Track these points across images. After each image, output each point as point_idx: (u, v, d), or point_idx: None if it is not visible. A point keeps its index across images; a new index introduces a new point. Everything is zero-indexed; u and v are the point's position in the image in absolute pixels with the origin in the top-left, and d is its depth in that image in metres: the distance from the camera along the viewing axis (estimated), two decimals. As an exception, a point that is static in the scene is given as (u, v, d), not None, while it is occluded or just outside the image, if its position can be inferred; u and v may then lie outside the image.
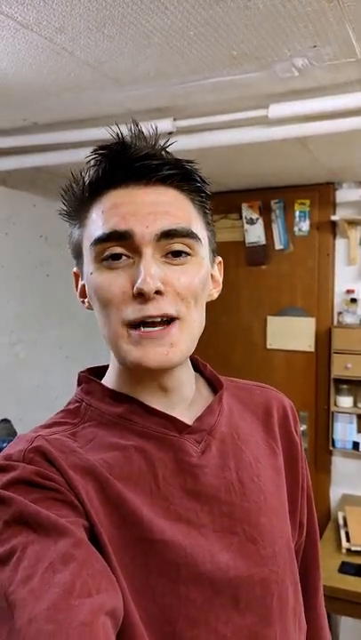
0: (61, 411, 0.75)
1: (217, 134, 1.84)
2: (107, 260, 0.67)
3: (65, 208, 0.73)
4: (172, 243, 0.67)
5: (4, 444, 2.36)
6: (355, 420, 2.91)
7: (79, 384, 0.78)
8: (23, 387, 2.61)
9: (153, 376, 0.71)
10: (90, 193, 0.70)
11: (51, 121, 1.88)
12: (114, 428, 0.70)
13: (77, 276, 0.77)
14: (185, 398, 0.75)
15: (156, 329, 0.66)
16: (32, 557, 0.54)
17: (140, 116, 1.74)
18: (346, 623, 2.59)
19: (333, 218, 2.90)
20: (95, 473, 0.64)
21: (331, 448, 2.96)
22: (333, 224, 2.96)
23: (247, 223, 3.09)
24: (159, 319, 0.66)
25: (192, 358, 0.80)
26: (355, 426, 2.91)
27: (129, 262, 0.66)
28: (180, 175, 0.69)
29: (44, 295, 2.72)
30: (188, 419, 0.73)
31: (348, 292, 2.94)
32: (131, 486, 0.65)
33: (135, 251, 0.66)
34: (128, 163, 0.67)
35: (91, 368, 0.81)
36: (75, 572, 0.53)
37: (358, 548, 2.40)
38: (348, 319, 2.91)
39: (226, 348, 3.17)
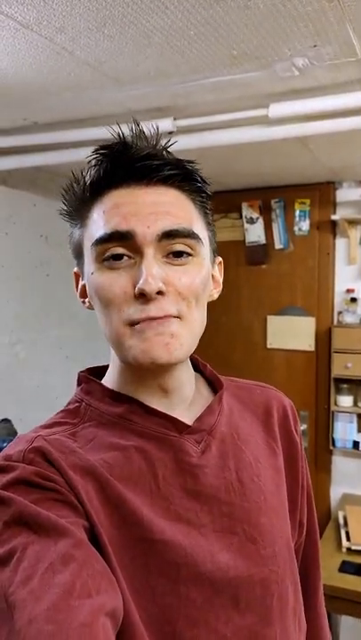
0: (61, 411, 0.75)
1: (217, 134, 1.84)
2: (108, 261, 0.67)
3: (65, 208, 0.73)
4: (174, 243, 0.67)
5: (5, 444, 2.36)
6: (355, 419, 2.91)
7: (79, 384, 0.78)
8: (23, 387, 2.61)
9: (154, 375, 0.71)
10: (91, 193, 0.69)
11: (51, 120, 1.88)
12: (114, 428, 0.70)
13: (78, 276, 0.77)
14: (185, 399, 0.75)
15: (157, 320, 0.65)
16: (32, 558, 0.54)
17: (140, 115, 1.74)
18: (346, 622, 2.59)
19: (334, 217, 2.90)
20: (95, 473, 0.64)
21: (331, 447, 2.96)
22: (334, 223, 2.96)
23: (247, 222, 3.09)
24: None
25: (192, 358, 0.80)
26: (355, 425, 2.91)
27: (130, 262, 0.66)
28: (182, 175, 0.69)
29: (44, 295, 2.72)
30: (188, 419, 0.73)
31: (349, 291, 2.94)
32: (131, 486, 0.65)
33: (136, 251, 0.66)
34: (129, 163, 0.67)
35: (90, 368, 0.81)
36: (75, 573, 0.53)
37: (359, 548, 2.40)
38: (349, 319, 2.91)
39: (226, 348, 3.17)
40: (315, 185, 2.95)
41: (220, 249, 0.79)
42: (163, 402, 0.73)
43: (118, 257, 0.66)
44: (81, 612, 0.50)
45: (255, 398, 0.85)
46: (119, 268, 0.66)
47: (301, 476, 0.84)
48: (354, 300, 2.91)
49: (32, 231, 2.65)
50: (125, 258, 0.66)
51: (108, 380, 0.76)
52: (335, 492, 3.04)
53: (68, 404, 0.76)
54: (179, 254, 0.67)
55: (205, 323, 0.73)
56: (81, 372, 0.79)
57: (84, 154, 0.71)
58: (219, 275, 0.79)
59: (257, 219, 3.07)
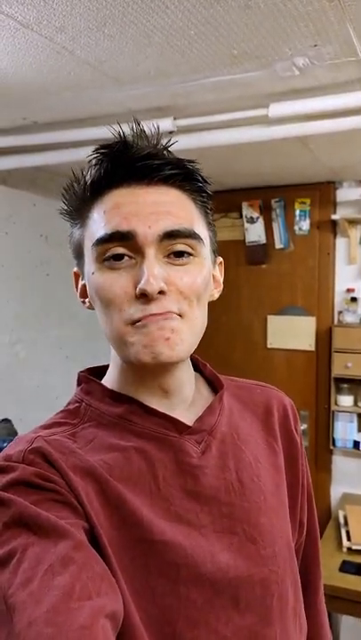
0: (61, 411, 0.75)
1: (217, 133, 1.84)
2: (108, 261, 0.66)
3: (65, 207, 0.73)
4: (175, 243, 0.67)
5: (5, 444, 2.36)
6: (355, 418, 2.91)
7: (79, 384, 0.78)
8: (23, 386, 2.61)
9: (154, 375, 0.71)
10: (91, 192, 0.69)
11: (51, 120, 1.88)
12: (114, 429, 0.70)
13: (77, 276, 0.76)
14: (185, 399, 0.75)
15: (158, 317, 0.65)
16: (32, 559, 0.54)
17: (140, 115, 1.73)
18: (346, 622, 2.59)
19: (334, 217, 2.90)
20: (95, 474, 0.64)
21: (331, 447, 2.96)
22: (334, 223, 2.96)
23: (247, 222, 3.09)
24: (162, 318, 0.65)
25: (192, 358, 0.80)
26: (355, 425, 2.91)
27: (131, 263, 0.66)
28: (182, 175, 0.69)
29: (44, 295, 2.72)
30: (188, 419, 0.73)
31: (349, 290, 2.94)
32: (131, 487, 0.65)
33: (137, 251, 0.66)
34: (130, 162, 0.66)
35: (90, 368, 0.80)
36: (74, 575, 0.53)
37: (359, 547, 2.40)
38: (349, 318, 2.91)
39: (226, 348, 3.17)
40: (315, 184, 2.95)
41: (220, 248, 0.79)
42: (163, 402, 0.72)
43: (119, 257, 0.66)
44: (81, 614, 0.50)
45: (255, 398, 0.85)
46: (120, 269, 0.66)
47: (302, 475, 0.84)
48: (354, 299, 2.91)
49: (32, 231, 2.65)
50: (126, 258, 0.66)
51: (108, 381, 0.76)
52: (335, 492, 3.04)
53: (68, 404, 0.76)
54: (180, 254, 0.67)
55: (206, 322, 0.73)
56: (81, 372, 0.79)
57: (84, 153, 0.71)
58: (219, 274, 0.79)
59: (257, 218, 3.07)
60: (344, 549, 2.41)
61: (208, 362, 0.84)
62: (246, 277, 3.15)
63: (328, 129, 1.70)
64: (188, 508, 0.67)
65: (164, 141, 0.71)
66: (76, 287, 0.77)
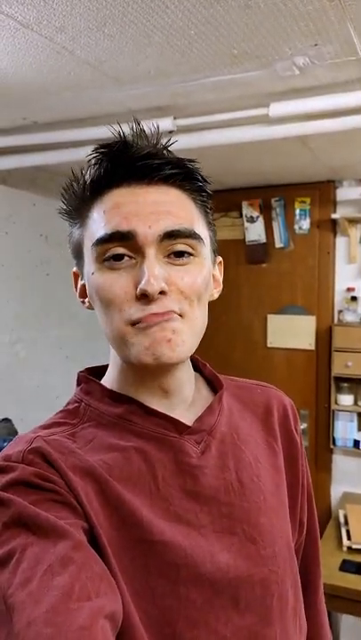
0: (60, 411, 0.75)
1: (218, 133, 1.84)
2: (108, 261, 0.66)
3: (65, 207, 0.73)
4: (175, 243, 0.66)
5: (5, 444, 2.36)
6: (355, 418, 2.91)
7: (78, 384, 0.77)
8: (23, 386, 2.61)
9: (154, 376, 0.71)
10: (91, 192, 0.69)
11: (51, 120, 1.88)
12: (113, 429, 0.70)
13: (77, 276, 0.76)
14: (185, 399, 0.75)
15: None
16: (31, 560, 0.54)
17: (140, 114, 1.73)
18: (347, 621, 2.59)
19: (334, 216, 2.90)
20: (95, 474, 0.64)
21: (331, 446, 2.96)
22: (334, 222, 2.96)
23: (247, 221, 3.09)
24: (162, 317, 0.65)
25: (192, 358, 0.80)
26: (355, 424, 2.91)
27: (131, 263, 0.66)
28: (183, 174, 0.69)
29: (44, 295, 2.72)
30: (187, 419, 0.73)
31: (349, 290, 2.93)
32: (130, 487, 0.65)
33: (138, 251, 0.65)
34: (130, 162, 0.66)
35: (90, 368, 0.80)
36: (74, 575, 0.53)
37: (359, 546, 2.40)
38: (349, 317, 2.91)
39: (226, 347, 3.17)
40: (315, 184, 2.95)
41: (220, 248, 0.79)
42: (163, 402, 0.72)
43: (119, 257, 0.66)
44: (80, 614, 0.50)
45: (255, 398, 0.85)
46: (120, 269, 0.66)
47: (302, 475, 0.84)
48: (354, 298, 2.91)
49: (32, 230, 2.65)
50: (126, 258, 0.66)
51: (108, 381, 0.76)
52: (336, 491, 3.04)
53: (68, 404, 0.76)
54: (180, 254, 0.67)
55: (206, 322, 0.73)
56: (80, 372, 0.79)
57: (84, 153, 0.71)
58: (219, 274, 0.78)
59: (257, 217, 3.07)
60: (344, 548, 2.41)
61: (208, 361, 0.84)
62: (246, 276, 3.15)
63: (328, 128, 1.70)
64: (188, 508, 0.67)
65: (163, 141, 0.70)
66: (76, 287, 0.76)
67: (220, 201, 3.03)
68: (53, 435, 0.68)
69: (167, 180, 0.68)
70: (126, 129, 0.70)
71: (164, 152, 0.69)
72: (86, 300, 0.74)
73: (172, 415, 0.71)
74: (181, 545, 0.64)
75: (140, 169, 0.66)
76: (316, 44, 1.30)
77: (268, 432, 0.81)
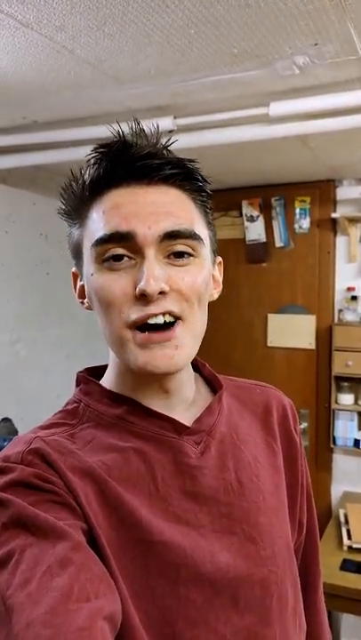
0: (60, 411, 0.75)
1: (218, 132, 1.84)
2: (108, 262, 0.66)
3: (64, 207, 0.72)
4: (175, 244, 0.66)
5: (5, 443, 2.36)
6: (356, 417, 2.91)
7: (77, 384, 0.77)
8: (24, 386, 2.61)
9: (154, 378, 0.70)
10: (90, 192, 0.68)
11: (51, 119, 1.87)
12: (112, 430, 0.70)
13: (76, 277, 0.76)
14: (185, 399, 0.75)
15: (160, 332, 0.65)
16: (30, 561, 0.54)
17: (140, 114, 1.73)
18: (347, 620, 2.59)
19: (334, 215, 2.90)
20: (94, 475, 0.64)
21: (332, 446, 2.96)
22: (334, 221, 2.96)
23: (247, 221, 3.09)
24: (162, 319, 0.65)
25: None
26: (356, 423, 2.91)
27: (131, 263, 0.66)
28: (182, 175, 0.68)
29: (44, 294, 2.72)
30: (187, 419, 0.73)
31: (349, 289, 2.93)
32: (129, 488, 0.65)
33: (137, 252, 0.65)
34: (130, 161, 0.66)
35: (89, 368, 0.80)
36: (73, 576, 0.53)
37: (360, 546, 2.40)
38: (349, 317, 2.90)
39: (226, 346, 3.17)
40: (315, 183, 2.95)
41: (220, 247, 0.79)
42: (162, 403, 0.72)
43: (118, 258, 0.65)
44: (79, 615, 0.50)
45: (255, 398, 0.84)
46: (119, 269, 0.65)
47: (301, 475, 0.84)
48: (354, 298, 2.91)
49: (32, 230, 2.65)
50: (126, 259, 0.65)
51: (107, 381, 0.76)
52: (336, 490, 3.04)
53: (67, 404, 0.76)
54: (180, 255, 0.67)
55: (206, 323, 0.73)
56: (79, 372, 0.78)
57: (84, 152, 0.70)
58: (219, 275, 0.78)
59: (257, 217, 3.07)
60: (345, 548, 2.41)
61: (208, 361, 0.83)
62: (246, 276, 3.15)
63: (328, 128, 1.70)
64: (187, 509, 0.67)
65: (163, 140, 0.70)
66: (75, 287, 0.76)
67: (220, 200, 3.03)
68: (53, 435, 0.68)
69: (167, 181, 0.67)
70: (126, 128, 0.69)
71: (164, 152, 0.69)
72: (85, 300, 0.73)
73: (171, 416, 0.71)
74: (181, 545, 0.64)
75: (140, 169, 0.66)
76: (316, 44, 1.30)
77: (267, 432, 0.81)
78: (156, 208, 0.65)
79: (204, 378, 0.83)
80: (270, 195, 3.03)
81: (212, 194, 0.74)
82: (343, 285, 2.97)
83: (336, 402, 2.91)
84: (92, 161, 0.68)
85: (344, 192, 2.96)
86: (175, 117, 1.76)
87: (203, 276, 0.69)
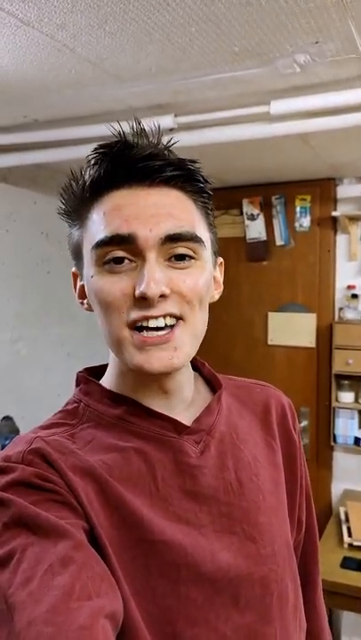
0: (60, 411, 0.75)
1: (218, 130, 1.83)
2: (108, 264, 0.65)
3: (64, 207, 0.72)
4: (176, 247, 0.66)
5: (7, 442, 2.37)
6: (356, 415, 2.91)
7: (77, 384, 0.77)
8: (24, 384, 2.61)
9: (154, 377, 0.70)
10: (91, 193, 0.68)
11: (51, 118, 1.87)
12: (112, 430, 0.70)
13: (76, 277, 0.75)
14: (185, 399, 0.75)
15: (159, 333, 0.65)
16: (31, 559, 0.54)
17: (141, 112, 1.74)
18: (348, 618, 2.60)
19: (334, 214, 2.89)
20: (95, 474, 0.64)
21: (332, 443, 2.96)
22: (334, 220, 2.96)
23: (248, 219, 3.09)
24: (163, 322, 0.65)
25: None
26: (356, 421, 2.91)
27: (132, 266, 0.65)
28: (184, 176, 0.68)
29: (44, 293, 2.72)
30: (186, 419, 0.73)
31: (350, 287, 2.93)
32: (130, 488, 0.65)
33: (138, 254, 0.65)
34: (131, 163, 0.65)
35: (89, 368, 0.80)
36: (74, 575, 0.53)
37: (360, 543, 2.40)
38: (350, 315, 2.90)
39: (227, 345, 3.17)
40: (315, 181, 2.94)
41: (220, 245, 0.79)
42: (162, 403, 0.72)
43: (119, 260, 0.65)
44: (80, 614, 0.50)
45: (254, 397, 0.85)
46: (120, 272, 0.65)
47: (300, 474, 0.84)
48: (355, 296, 2.91)
49: (33, 229, 2.65)
50: (126, 261, 0.65)
51: (107, 381, 0.76)
52: (336, 488, 3.04)
53: (67, 404, 0.76)
54: (181, 257, 0.66)
55: (207, 324, 0.72)
56: (79, 372, 0.78)
57: (85, 151, 0.70)
58: (220, 275, 0.78)
59: (258, 215, 3.07)
60: (345, 545, 2.42)
61: (208, 359, 0.84)
62: (247, 274, 3.15)
63: (329, 126, 1.70)
64: (187, 508, 0.67)
65: (164, 140, 0.70)
66: (75, 288, 0.76)
67: (221, 198, 3.02)
68: (53, 435, 0.68)
69: (168, 182, 0.67)
70: (126, 127, 0.69)
71: (166, 152, 0.68)
72: (85, 301, 0.73)
73: (171, 415, 0.71)
74: (182, 544, 0.64)
75: (141, 170, 0.65)
76: (317, 42, 1.30)
77: (266, 431, 0.81)
78: (157, 210, 0.65)
79: (204, 377, 0.83)
80: (271, 193, 3.03)
81: (213, 193, 0.74)
82: (344, 284, 2.97)
83: (336, 400, 2.92)
84: (93, 161, 0.67)
85: (345, 190, 2.96)
86: (176, 115, 1.76)
87: (204, 278, 0.69)
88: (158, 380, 0.71)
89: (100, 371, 0.79)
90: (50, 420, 0.73)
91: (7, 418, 2.45)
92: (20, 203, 2.58)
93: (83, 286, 0.73)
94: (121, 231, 0.64)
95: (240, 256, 3.13)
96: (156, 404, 0.72)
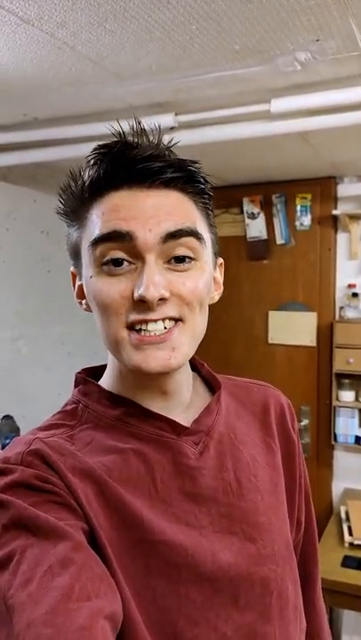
0: (58, 412, 0.75)
1: (219, 129, 1.83)
2: (107, 265, 0.65)
3: (62, 207, 0.72)
4: (177, 246, 0.65)
5: (7, 441, 2.37)
6: (357, 414, 2.91)
7: (76, 385, 0.77)
8: (25, 383, 2.61)
9: (152, 379, 0.70)
10: (90, 193, 0.67)
11: (51, 116, 1.87)
12: (111, 431, 0.70)
13: (75, 276, 0.75)
14: (183, 400, 0.75)
15: (156, 332, 0.65)
16: (31, 561, 0.54)
17: (141, 110, 1.73)
18: (348, 617, 2.60)
19: (335, 212, 2.89)
20: (94, 476, 0.64)
21: (333, 442, 2.96)
22: (335, 218, 2.95)
23: (248, 218, 3.08)
24: (162, 325, 0.65)
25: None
26: (356, 420, 2.91)
27: (131, 268, 0.65)
28: (184, 178, 0.67)
29: (45, 291, 2.72)
30: (185, 420, 0.73)
31: (350, 286, 2.93)
32: (130, 489, 0.65)
33: (137, 256, 0.64)
34: (130, 164, 0.65)
35: (87, 369, 0.80)
36: (74, 576, 0.53)
37: (360, 542, 2.40)
38: (350, 314, 2.90)
39: (227, 343, 3.17)
40: (316, 180, 2.94)
41: (221, 244, 0.78)
42: (161, 404, 0.72)
43: (118, 263, 0.65)
44: (80, 615, 0.50)
45: (253, 396, 0.85)
46: (119, 274, 0.65)
47: (299, 473, 0.84)
48: (355, 295, 2.91)
49: (33, 227, 2.65)
50: (126, 264, 0.65)
51: (106, 382, 0.75)
52: (337, 487, 3.04)
53: (65, 405, 0.76)
54: (181, 260, 0.66)
55: (206, 325, 0.72)
56: (78, 373, 0.78)
57: (85, 149, 0.69)
58: (220, 276, 0.78)
59: (258, 214, 3.06)
60: (346, 544, 2.41)
61: (209, 358, 0.84)
62: (247, 273, 3.14)
63: (330, 124, 1.69)
64: (187, 510, 0.67)
65: (165, 139, 0.69)
66: (74, 287, 0.75)
67: (221, 197, 3.02)
68: (52, 437, 0.68)
69: (168, 184, 0.66)
70: (126, 127, 0.68)
71: (166, 152, 0.68)
72: (83, 301, 0.73)
73: (170, 416, 0.71)
74: (182, 544, 0.64)
75: (141, 172, 0.65)
76: (317, 40, 1.29)
77: (265, 431, 0.81)
78: (156, 211, 0.64)
79: (203, 378, 0.83)
80: (271, 192, 3.03)
81: (214, 192, 0.73)
82: (344, 282, 2.97)
83: (337, 399, 2.91)
84: (93, 161, 0.67)
85: (345, 189, 2.95)
86: (176, 114, 1.75)
87: (204, 279, 0.68)
88: (157, 381, 0.71)
89: (98, 371, 0.79)
90: (49, 421, 0.73)
91: (7, 417, 2.45)
92: (20, 201, 2.57)
93: (81, 286, 0.72)
94: (119, 227, 0.64)
95: (240, 255, 3.13)
96: (155, 405, 0.72)
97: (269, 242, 3.08)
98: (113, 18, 1.18)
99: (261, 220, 3.06)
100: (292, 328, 3.07)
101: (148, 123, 0.70)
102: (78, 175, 0.69)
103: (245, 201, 3.08)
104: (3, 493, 0.59)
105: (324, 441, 3.03)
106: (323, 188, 2.95)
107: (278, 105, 1.63)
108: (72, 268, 0.75)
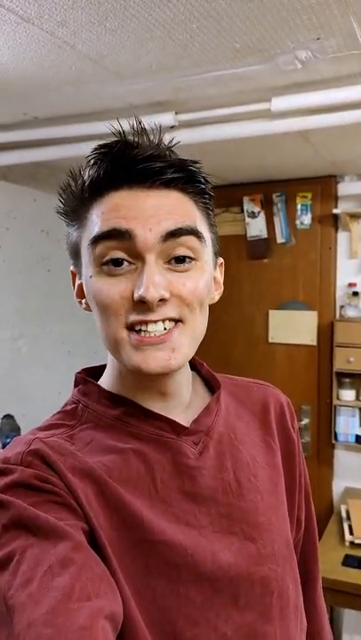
0: (58, 412, 0.75)
1: (219, 128, 1.83)
2: (107, 265, 0.65)
3: (62, 206, 0.71)
4: (177, 246, 0.65)
5: (8, 440, 2.37)
6: (357, 413, 2.91)
7: (76, 385, 0.77)
8: (25, 382, 2.61)
9: (152, 379, 0.70)
10: (90, 193, 0.67)
11: (51, 115, 1.87)
12: (111, 431, 0.70)
13: (74, 275, 0.75)
14: (183, 400, 0.75)
15: (156, 333, 0.65)
16: (31, 561, 0.54)
17: (141, 109, 1.73)
18: (349, 616, 2.60)
19: (335, 211, 2.89)
20: (94, 476, 0.64)
21: (333, 441, 2.96)
22: (335, 217, 2.95)
23: (249, 217, 3.08)
24: (162, 326, 0.65)
25: None
26: (357, 419, 2.91)
27: (131, 268, 0.65)
28: (185, 178, 0.67)
29: (45, 290, 2.71)
30: (185, 420, 0.73)
31: (351, 285, 2.93)
32: (130, 489, 0.65)
33: (137, 256, 0.64)
34: (131, 164, 0.64)
35: (87, 368, 0.80)
36: (74, 576, 0.53)
37: (361, 541, 2.40)
38: (351, 313, 2.90)
39: (228, 343, 3.17)
40: (316, 179, 2.94)
41: (221, 243, 0.78)
42: (161, 404, 0.72)
43: (118, 263, 0.64)
44: (80, 615, 0.50)
45: (253, 396, 0.84)
46: (119, 275, 0.65)
47: (299, 473, 0.84)
48: (356, 293, 2.90)
49: (33, 226, 2.64)
50: (126, 264, 0.65)
51: (106, 382, 0.75)
52: (337, 486, 3.04)
53: (65, 405, 0.76)
54: (181, 260, 0.66)
55: (206, 325, 0.72)
56: (78, 373, 0.78)
57: (85, 149, 0.69)
58: (220, 276, 0.78)
59: (258, 213, 3.06)
60: (346, 543, 2.41)
61: (209, 357, 0.84)
62: (248, 272, 3.14)
63: (330, 123, 1.69)
64: (187, 510, 0.67)
65: (165, 139, 0.69)
66: (73, 286, 0.75)
67: (222, 196, 3.02)
68: (52, 436, 0.68)
69: (168, 184, 0.66)
70: (127, 126, 0.68)
71: (166, 152, 0.68)
72: (83, 301, 0.73)
73: (169, 416, 0.71)
74: (182, 544, 0.64)
75: (141, 172, 0.65)
76: (318, 38, 1.29)
77: (265, 430, 0.81)
78: (156, 211, 0.64)
79: (202, 377, 0.83)
80: (272, 191, 3.02)
81: (214, 191, 0.73)
82: (345, 281, 2.97)
83: (338, 398, 2.92)
84: (93, 161, 0.67)
85: (345, 188, 2.95)
86: (176, 113, 1.75)
87: (204, 280, 0.68)
88: (156, 381, 0.71)
89: (98, 371, 0.78)
90: (48, 420, 0.73)
91: (8, 416, 2.45)
92: (20, 200, 2.57)
93: (81, 285, 0.72)
94: (119, 225, 0.63)
95: (241, 254, 3.13)
96: (155, 406, 0.72)
97: (270, 241, 3.07)
98: (113, 16, 1.17)
99: (262, 218, 3.06)
100: (293, 327, 3.06)
101: (149, 122, 0.70)
102: (78, 175, 0.69)
103: (246, 200, 3.08)
104: (3, 493, 0.59)
105: (324, 440, 3.03)
106: (323, 186, 2.95)
107: (279, 104, 1.62)
108: (72, 268, 0.75)
